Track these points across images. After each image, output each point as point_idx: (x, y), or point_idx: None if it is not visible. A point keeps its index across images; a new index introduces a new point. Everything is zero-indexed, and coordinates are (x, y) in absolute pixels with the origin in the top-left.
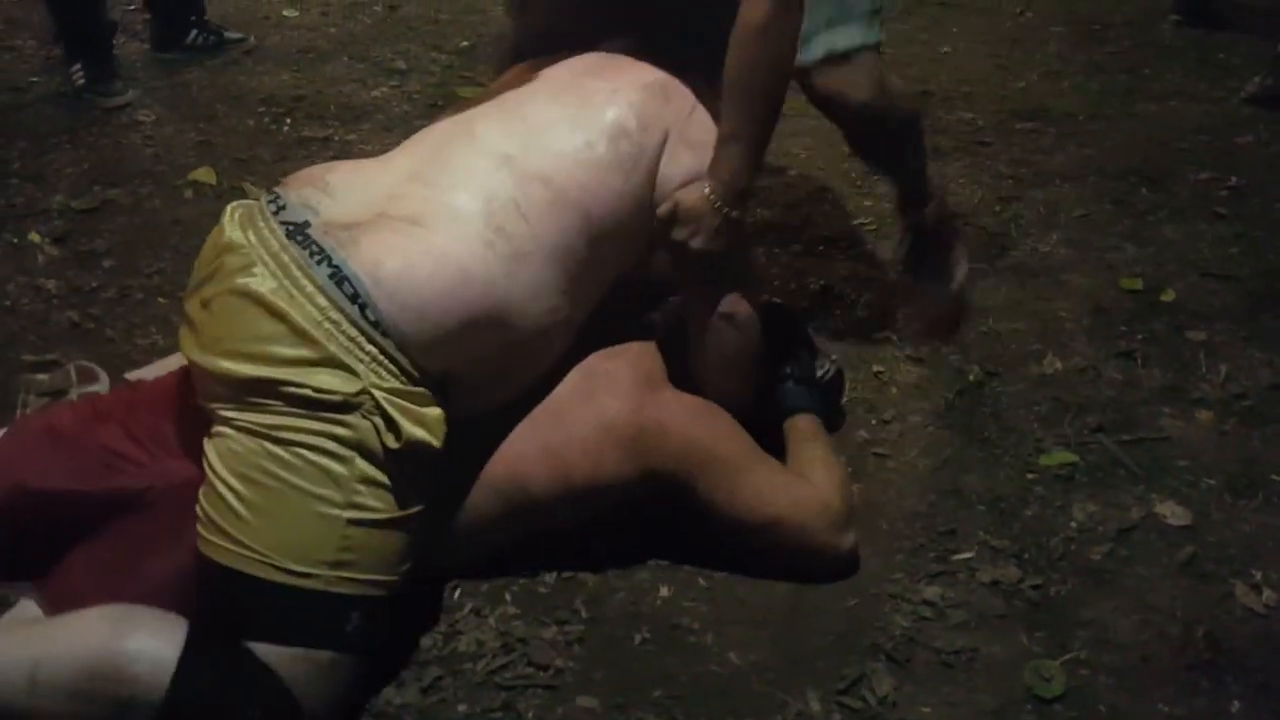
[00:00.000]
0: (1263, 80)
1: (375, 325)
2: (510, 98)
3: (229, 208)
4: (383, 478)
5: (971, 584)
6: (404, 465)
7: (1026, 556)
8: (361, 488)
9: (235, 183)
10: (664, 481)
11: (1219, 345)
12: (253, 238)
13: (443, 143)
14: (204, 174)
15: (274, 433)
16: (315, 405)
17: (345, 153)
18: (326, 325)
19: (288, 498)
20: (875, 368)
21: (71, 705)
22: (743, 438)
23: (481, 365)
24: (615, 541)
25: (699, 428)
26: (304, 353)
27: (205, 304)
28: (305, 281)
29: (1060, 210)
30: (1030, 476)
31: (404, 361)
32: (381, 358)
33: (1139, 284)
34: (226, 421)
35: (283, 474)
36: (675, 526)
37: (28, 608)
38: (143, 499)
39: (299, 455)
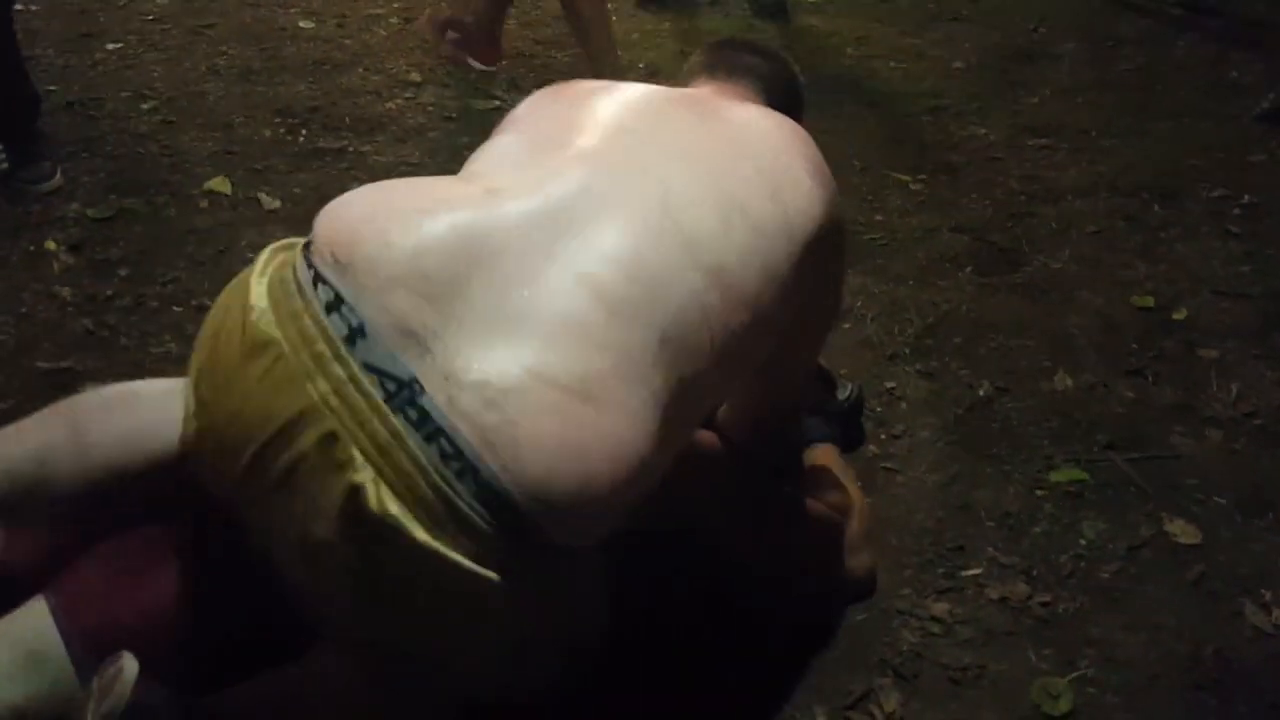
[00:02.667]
0: (1275, 98)
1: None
2: (721, 145)
3: (252, 279)
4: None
5: (980, 600)
6: None
7: (1035, 573)
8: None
9: (250, 193)
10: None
11: (1230, 363)
12: (324, 386)
13: (613, 193)
14: (219, 184)
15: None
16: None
17: (360, 164)
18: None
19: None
20: (887, 383)
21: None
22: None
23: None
24: (619, 553)
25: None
26: None
27: (271, 463)
28: (443, 514)
29: (1072, 226)
30: (1040, 493)
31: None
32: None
33: (1150, 301)
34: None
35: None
36: (682, 539)
37: (35, 604)
38: (160, 504)
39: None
